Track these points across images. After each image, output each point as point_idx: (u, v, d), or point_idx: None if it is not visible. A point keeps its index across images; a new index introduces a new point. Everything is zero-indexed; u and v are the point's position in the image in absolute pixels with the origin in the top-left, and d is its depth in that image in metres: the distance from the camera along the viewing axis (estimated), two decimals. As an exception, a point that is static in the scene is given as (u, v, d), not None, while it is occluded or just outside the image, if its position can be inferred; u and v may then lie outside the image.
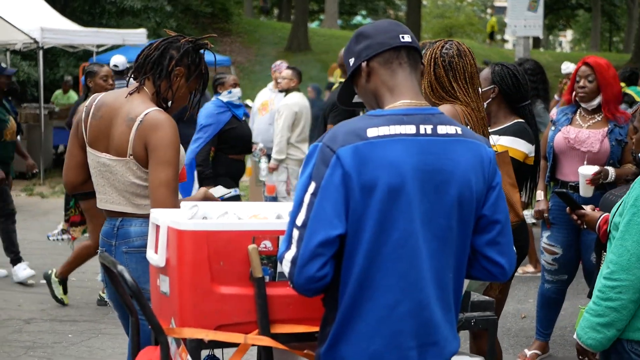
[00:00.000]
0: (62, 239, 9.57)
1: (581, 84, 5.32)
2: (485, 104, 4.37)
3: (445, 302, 2.48)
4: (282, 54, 27.91)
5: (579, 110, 5.46)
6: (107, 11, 22.32)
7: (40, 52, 14.39)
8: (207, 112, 7.36)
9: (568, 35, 70.82)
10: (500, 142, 4.30)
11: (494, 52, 35.28)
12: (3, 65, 8.70)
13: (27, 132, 13.97)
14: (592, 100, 5.34)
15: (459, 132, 2.47)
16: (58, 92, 17.13)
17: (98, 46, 16.57)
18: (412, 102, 2.47)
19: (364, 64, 2.50)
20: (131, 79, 3.67)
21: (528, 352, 5.71)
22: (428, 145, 2.41)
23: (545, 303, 5.63)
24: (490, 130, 4.35)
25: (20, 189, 13.34)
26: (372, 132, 2.37)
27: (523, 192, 4.50)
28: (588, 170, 5.02)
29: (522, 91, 4.45)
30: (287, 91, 9.24)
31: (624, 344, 3.17)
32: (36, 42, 14.09)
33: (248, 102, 19.42)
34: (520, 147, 4.32)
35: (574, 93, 5.41)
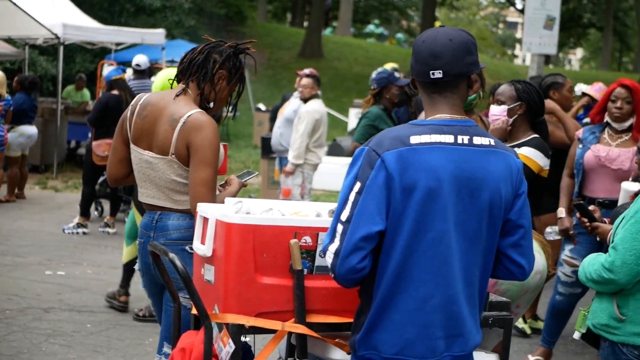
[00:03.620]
0: (78, 232, 9.81)
1: (618, 105, 5.52)
2: (511, 120, 4.62)
3: (472, 298, 2.71)
4: (294, 60, 28.16)
5: (606, 129, 5.66)
6: (126, 10, 22.55)
7: (61, 48, 14.60)
8: None
9: (578, 53, 71.02)
10: (521, 151, 4.53)
11: (504, 67, 35.51)
12: (397, 74, 8.25)
13: (43, 126, 14.17)
14: (626, 121, 5.56)
15: (492, 143, 2.70)
16: (70, 87, 17.24)
17: (117, 44, 16.81)
18: (452, 115, 2.70)
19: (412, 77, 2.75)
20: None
21: (532, 358, 5.89)
22: (464, 154, 2.64)
23: (555, 314, 5.81)
24: (509, 145, 4.59)
25: (34, 182, 13.55)
26: (414, 139, 2.61)
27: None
28: (633, 186, 5.22)
29: (543, 106, 4.70)
30: (307, 98, 9.44)
31: (621, 348, 3.47)
32: (57, 37, 14.30)
33: (260, 105, 19.71)
34: (538, 159, 4.55)
35: (606, 113, 5.61)
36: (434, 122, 2.68)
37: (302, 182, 9.34)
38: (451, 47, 2.67)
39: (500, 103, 4.69)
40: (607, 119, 5.62)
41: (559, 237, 5.91)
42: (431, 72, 2.67)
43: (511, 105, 4.66)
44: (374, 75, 11.24)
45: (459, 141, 2.65)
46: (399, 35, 45.73)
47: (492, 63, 37.43)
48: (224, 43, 3.83)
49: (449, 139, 2.64)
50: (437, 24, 36.33)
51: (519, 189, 2.75)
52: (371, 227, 2.57)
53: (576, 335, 3.71)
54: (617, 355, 3.52)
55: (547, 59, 50.69)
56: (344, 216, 2.59)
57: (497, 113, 4.65)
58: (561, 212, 5.68)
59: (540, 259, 4.11)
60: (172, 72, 6.75)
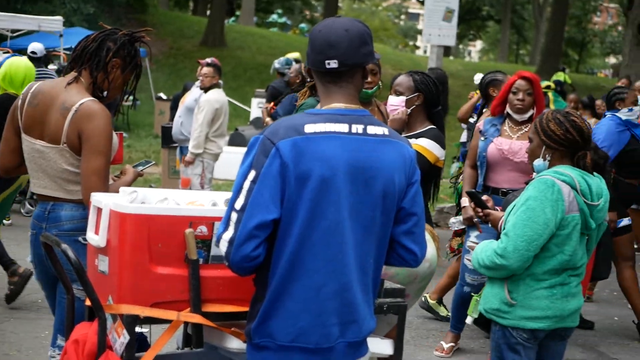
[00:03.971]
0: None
1: (520, 97, 5.59)
2: (409, 110, 4.69)
3: (365, 285, 2.74)
4: (197, 49, 27.88)
5: (506, 121, 5.75)
6: (24, -4, 21.96)
7: (-47, 34, 14.13)
8: (607, 130, 6.64)
9: (477, 45, 72.56)
10: (418, 142, 4.60)
11: (406, 58, 35.97)
12: (295, 65, 7.84)
13: None
14: (527, 112, 5.66)
15: (386, 133, 2.73)
16: (-35, 75, 16.66)
17: (13, 31, 16.34)
18: (346, 105, 2.73)
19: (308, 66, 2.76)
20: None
21: (446, 345, 5.98)
22: (359, 143, 2.67)
23: (462, 303, 5.83)
24: (406, 135, 4.67)
25: None
26: (309, 128, 2.63)
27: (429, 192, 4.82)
28: None
29: (440, 97, 4.79)
30: (207, 87, 9.37)
31: (511, 332, 3.60)
32: (-51, 23, 13.83)
33: (161, 94, 19.46)
34: (434, 150, 4.64)
35: (506, 104, 5.70)
36: (328, 112, 2.70)
37: (202, 172, 9.28)
38: (347, 37, 2.69)
39: (399, 94, 4.76)
40: (508, 110, 5.71)
41: (463, 227, 6.01)
42: (327, 61, 2.69)
43: (409, 96, 4.73)
44: (276, 64, 11.25)
45: (353, 130, 2.67)
46: (302, 25, 45.80)
47: (394, 54, 37.85)
48: (119, 31, 3.78)
49: (344, 128, 2.66)
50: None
51: (412, 178, 2.79)
52: (265, 215, 2.57)
53: (468, 320, 3.83)
54: (507, 339, 3.64)
55: (447, 50, 51.59)
56: (238, 204, 2.59)
57: (396, 103, 4.72)
58: (464, 201, 5.77)
59: (429, 248, 4.20)
60: (14, 61, 6.63)
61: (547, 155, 3.72)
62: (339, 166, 2.63)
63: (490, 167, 5.70)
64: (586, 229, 3.65)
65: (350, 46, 2.68)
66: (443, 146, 4.72)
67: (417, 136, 4.67)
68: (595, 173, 3.76)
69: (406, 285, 4.10)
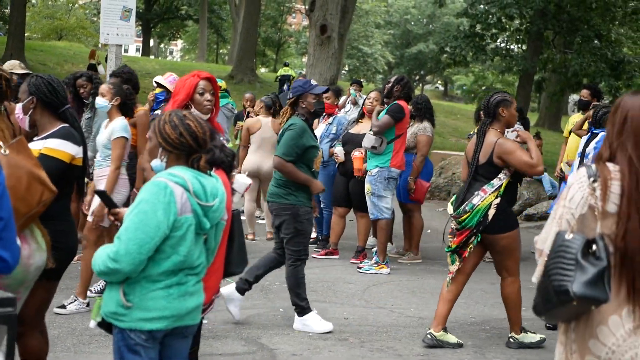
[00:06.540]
0: None
1: (209, 97, 5.56)
2: (28, 115, 4.56)
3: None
4: None
5: None
6: None
7: None
8: None
9: (179, 44, 72.78)
10: (47, 144, 4.49)
11: (101, 57, 35.20)
12: (313, 82, 7.08)
13: None
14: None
15: None
16: None
17: None
18: None
19: None
20: None
21: None
22: None
23: None
24: (39, 138, 4.54)
25: None
26: None
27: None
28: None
29: (59, 97, 4.65)
30: None
31: (129, 334, 3.61)
32: None
33: None
34: (67, 148, 4.55)
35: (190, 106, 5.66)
36: None
37: None
38: None
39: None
40: (194, 111, 5.66)
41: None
42: None
43: (24, 101, 4.62)
44: None
45: None
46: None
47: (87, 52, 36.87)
48: None
49: None
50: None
51: None
52: None
53: (92, 324, 3.78)
54: (126, 341, 3.65)
55: (148, 49, 51.07)
56: None
57: (17, 111, 4.61)
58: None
59: (39, 255, 4.09)
60: None
61: (163, 157, 3.77)
62: None
63: None
64: (201, 229, 3.73)
65: None
66: (78, 142, 4.62)
67: (45, 138, 4.56)
68: (212, 174, 3.85)
69: (18, 288, 4.01)
